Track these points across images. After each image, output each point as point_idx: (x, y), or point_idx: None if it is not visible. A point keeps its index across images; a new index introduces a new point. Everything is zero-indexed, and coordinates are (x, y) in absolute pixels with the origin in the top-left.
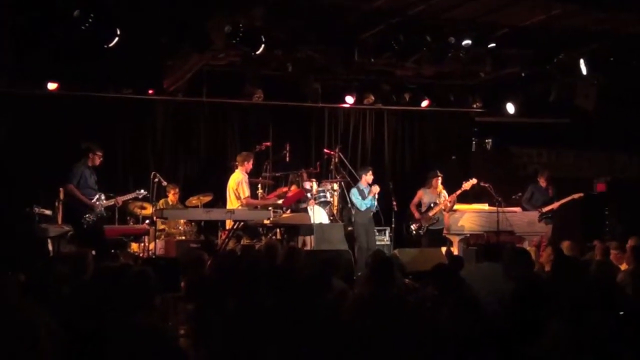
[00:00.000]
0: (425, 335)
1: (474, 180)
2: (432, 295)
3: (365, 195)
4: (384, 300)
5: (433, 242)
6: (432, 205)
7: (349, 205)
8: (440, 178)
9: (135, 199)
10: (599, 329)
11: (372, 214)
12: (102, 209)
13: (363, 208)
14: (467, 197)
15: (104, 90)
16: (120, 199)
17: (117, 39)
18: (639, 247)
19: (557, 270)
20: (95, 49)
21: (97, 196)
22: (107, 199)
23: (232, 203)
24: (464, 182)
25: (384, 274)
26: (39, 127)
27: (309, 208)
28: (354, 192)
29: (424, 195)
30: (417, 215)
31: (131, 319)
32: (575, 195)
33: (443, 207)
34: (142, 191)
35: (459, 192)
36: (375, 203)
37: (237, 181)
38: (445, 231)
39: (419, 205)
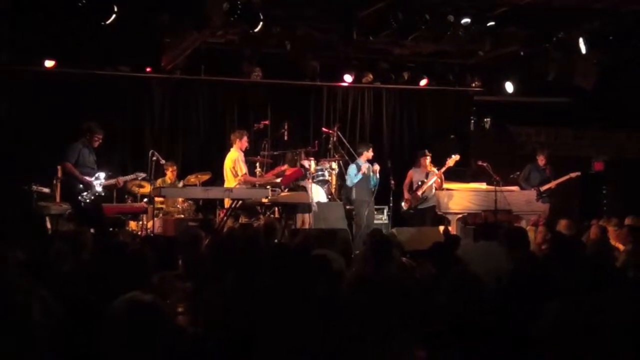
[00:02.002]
0: (423, 314)
1: (456, 157)
2: (431, 273)
3: (365, 172)
4: (382, 279)
5: (424, 221)
6: (419, 184)
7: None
8: (428, 157)
9: (135, 179)
10: (596, 309)
11: (373, 191)
12: (101, 187)
13: (349, 184)
14: (465, 176)
15: (101, 68)
16: (122, 180)
17: (114, 15)
18: (637, 226)
19: (552, 249)
20: (93, 26)
21: (96, 175)
22: (106, 178)
23: (229, 182)
24: (447, 159)
25: (382, 253)
26: (37, 105)
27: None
28: (351, 167)
29: (414, 175)
30: (406, 195)
31: (129, 297)
32: (573, 174)
33: (434, 186)
34: (141, 174)
35: (443, 169)
36: (376, 181)
37: (233, 159)
38: (442, 210)
39: (411, 185)
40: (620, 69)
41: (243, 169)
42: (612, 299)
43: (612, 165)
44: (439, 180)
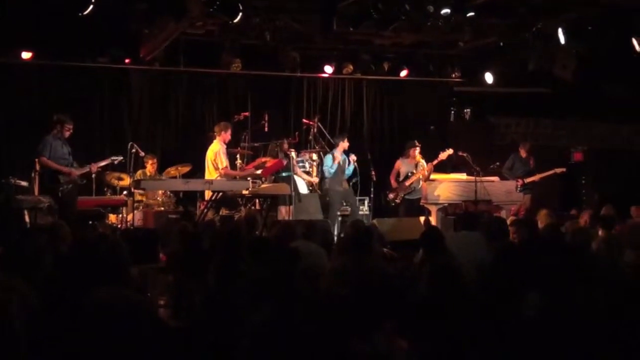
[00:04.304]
0: (405, 304)
1: (450, 151)
2: (412, 263)
3: (340, 161)
4: (362, 270)
5: (410, 212)
6: (408, 174)
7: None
8: (418, 148)
9: (111, 165)
10: (576, 299)
11: (350, 183)
12: (77, 177)
13: (327, 174)
14: (445, 167)
15: (79, 59)
16: (95, 166)
17: (91, 6)
18: (607, 216)
19: (527, 243)
20: (70, 17)
21: (69, 166)
22: (78, 166)
23: (210, 174)
24: (440, 152)
25: (362, 244)
26: (14, 97)
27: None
28: (327, 157)
29: (401, 165)
30: (394, 184)
31: (107, 290)
32: (558, 170)
33: (421, 177)
34: (117, 157)
35: (435, 162)
36: (351, 171)
37: (215, 151)
38: (423, 200)
39: (398, 175)
40: (598, 59)
41: (224, 162)
42: (590, 287)
43: (590, 155)
44: (426, 172)
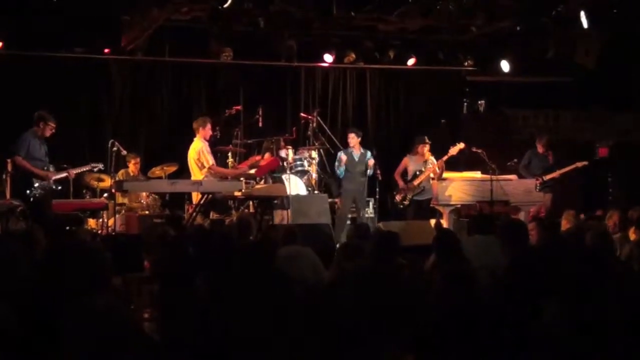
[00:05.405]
0: (413, 315)
1: (461, 145)
2: (429, 269)
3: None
4: (382, 277)
5: (419, 214)
6: (417, 173)
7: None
8: (427, 145)
9: (90, 171)
10: (599, 308)
11: (364, 183)
12: (52, 182)
13: (340, 175)
14: (458, 164)
15: (54, 49)
16: (73, 172)
17: None
18: None
19: (544, 247)
20: (45, 4)
21: (45, 168)
22: (56, 170)
23: (194, 175)
24: (450, 147)
25: (388, 250)
26: None
27: (284, 177)
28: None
29: (409, 163)
30: (401, 184)
31: (87, 301)
32: (579, 164)
33: (432, 175)
34: (97, 164)
35: (445, 158)
36: (369, 171)
37: (197, 150)
38: (434, 201)
39: (405, 173)
40: (624, 45)
41: (209, 160)
42: (614, 295)
43: (617, 150)
44: (437, 170)
